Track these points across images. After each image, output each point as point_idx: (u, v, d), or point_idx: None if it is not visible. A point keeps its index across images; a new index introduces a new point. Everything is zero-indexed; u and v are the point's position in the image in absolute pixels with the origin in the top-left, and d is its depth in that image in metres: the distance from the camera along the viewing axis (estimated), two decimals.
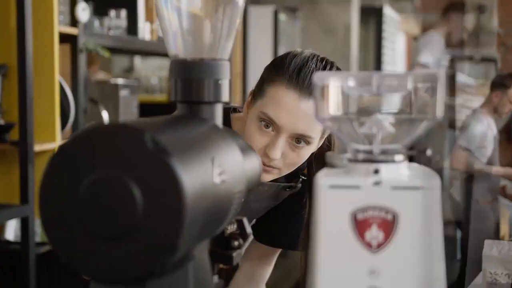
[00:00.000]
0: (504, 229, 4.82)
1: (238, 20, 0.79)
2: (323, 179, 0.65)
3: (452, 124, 4.74)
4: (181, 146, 0.61)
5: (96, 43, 2.73)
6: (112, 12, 3.03)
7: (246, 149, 0.81)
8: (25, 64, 2.28)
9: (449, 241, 4.38)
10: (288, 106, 1.20)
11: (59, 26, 2.48)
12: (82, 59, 2.61)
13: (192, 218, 0.58)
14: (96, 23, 2.89)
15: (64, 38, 2.58)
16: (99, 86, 3.19)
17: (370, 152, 0.67)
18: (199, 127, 0.71)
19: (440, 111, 0.64)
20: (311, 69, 1.22)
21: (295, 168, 1.29)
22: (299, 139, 1.23)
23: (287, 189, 1.41)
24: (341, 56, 5.54)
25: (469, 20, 4.58)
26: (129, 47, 3.23)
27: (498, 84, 4.37)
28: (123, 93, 3.13)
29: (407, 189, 0.64)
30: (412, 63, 4.50)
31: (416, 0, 9.84)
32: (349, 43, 5.59)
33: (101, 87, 3.17)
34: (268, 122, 1.23)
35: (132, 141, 0.58)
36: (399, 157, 0.67)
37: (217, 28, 0.77)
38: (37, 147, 2.36)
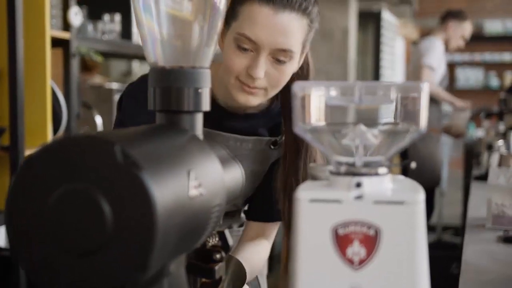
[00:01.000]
0: None
1: (220, 25, 0.77)
2: (303, 192, 0.63)
3: (447, 130, 4.70)
4: (154, 159, 0.58)
5: (89, 47, 2.71)
6: (106, 16, 3.01)
7: (227, 159, 0.79)
8: (16, 68, 2.25)
9: None
10: (264, 21, 1.19)
11: (52, 30, 2.46)
12: (75, 63, 2.59)
13: (164, 233, 0.56)
14: (90, 27, 2.87)
15: (57, 42, 2.55)
16: (94, 91, 3.16)
17: (352, 164, 0.65)
18: (177, 137, 0.69)
19: (424, 123, 0.62)
20: None
21: (280, 88, 1.26)
22: (279, 57, 1.21)
23: (272, 147, 1.37)
24: (339, 60, 5.52)
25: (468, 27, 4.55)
26: (123, 52, 3.20)
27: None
28: (118, 97, 3.10)
29: (390, 204, 0.61)
30: (413, 66, 4.43)
31: (414, 5, 9.84)
32: (347, 47, 5.57)
33: (96, 92, 3.15)
34: (245, 43, 1.20)
35: (102, 154, 0.55)
36: (382, 170, 0.64)
37: (197, 35, 0.75)
38: (28, 152, 2.33)
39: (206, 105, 0.74)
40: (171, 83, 0.73)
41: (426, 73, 4.17)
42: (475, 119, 9.96)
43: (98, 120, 2.97)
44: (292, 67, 1.25)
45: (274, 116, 1.37)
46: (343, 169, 0.64)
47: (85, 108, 2.93)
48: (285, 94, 1.31)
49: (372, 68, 7.30)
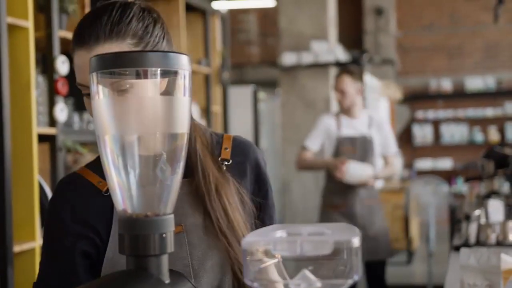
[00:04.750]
0: None
1: (179, 179, 0.85)
2: None
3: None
4: None
5: (75, 140, 2.80)
6: None
7: None
8: (4, 166, 2.33)
9: None
10: (83, 63, 1.18)
11: (38, 127, 2.55)
12: (61, 157, 2.68)
13: None
14: (76, 118, 2.97)
15: (43, 137, 2.64)
16: None
17: None
18: (142, 286, 0.77)
19: (356, 273, 0.70)
20: (90, 19, 1.20)
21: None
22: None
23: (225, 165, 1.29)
24: None
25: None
26: None
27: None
28: None
29: None
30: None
31: (397, 65, 10.08)
32: None
33: None
34: (84, 90, 1.19)
35: None
36: None
37: (161, 186, 0.84)
38: (17, 248, 2.39)
39: (171, 247, 0.83)
40: (138, 230, 0.82)
41: (299, 153, 4.21)
42: (462, 173, 10.07)
43: None
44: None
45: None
46: None
47: None
48: None
49: None
